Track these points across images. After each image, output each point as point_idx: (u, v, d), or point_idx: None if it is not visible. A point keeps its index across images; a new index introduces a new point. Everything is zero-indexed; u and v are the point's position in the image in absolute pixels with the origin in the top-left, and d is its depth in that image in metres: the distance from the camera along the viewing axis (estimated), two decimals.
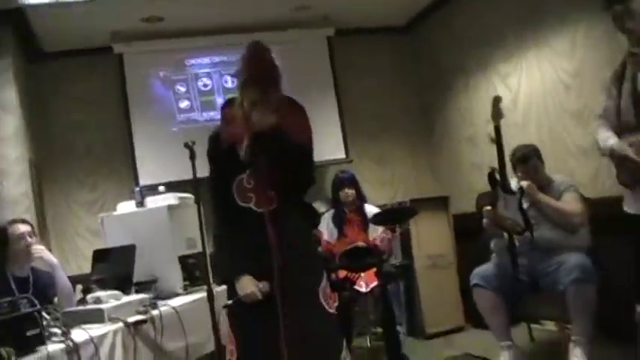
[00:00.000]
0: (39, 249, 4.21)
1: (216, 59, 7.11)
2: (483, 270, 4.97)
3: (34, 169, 6.00)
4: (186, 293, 4.45)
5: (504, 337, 4.88)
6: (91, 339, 3.03)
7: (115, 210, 4.93)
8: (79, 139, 6.90)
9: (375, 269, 5.27)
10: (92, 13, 5.99)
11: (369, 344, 5.94)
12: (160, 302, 3.94)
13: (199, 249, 4.01)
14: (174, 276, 4.47)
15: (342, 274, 5.38)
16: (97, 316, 3.40)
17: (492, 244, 5.05)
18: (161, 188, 4.95)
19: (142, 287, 4.20)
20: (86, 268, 4.52)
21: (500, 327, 4.91)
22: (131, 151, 6.81)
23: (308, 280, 3.19)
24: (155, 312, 3.71)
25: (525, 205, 4.66)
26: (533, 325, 5.54)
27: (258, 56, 3.19)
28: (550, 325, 5.70)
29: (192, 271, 4.59)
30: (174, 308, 3.91)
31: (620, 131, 3.53)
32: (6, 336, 2.67)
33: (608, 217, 3.98)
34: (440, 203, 6.76)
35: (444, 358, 5.53)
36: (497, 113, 4.57)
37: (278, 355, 3.05)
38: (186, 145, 3.46)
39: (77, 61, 6.90)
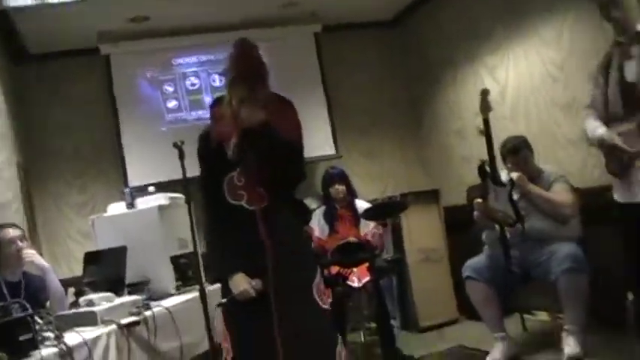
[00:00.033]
0: (30, 253, 4.19)
1: (204, 58, 7.09)
2: (475, 262, 4.99)
3: (22, 172, 5.97)
4: (179, 293, 4.43)
5: (497, 328, 4.91)
6: (85, 342, 3.02)
7: (105, 212, 4.91)
8: (67, 141, 6.87)
9: (367, 264, 5.27)
10: (78, 14, 5.96)
11: (363, 339, 5.94)
12: (152, 303, 3.92)
13: (191, 249, 3.99)
14: (166, 276, 4.46)
15: (335, 269, 5.38)
16: (89, 319, 3.38)
17: (484, 236, 5.06)
18: (151, 189, 4.93)
19: (134, 289, 4.18)
20: (78, 270, 4.49)
21: (493, 318, 4.93)
22: (120, 152, 6.79)
23: (301, 276, 3.20)
24: (148, 313, 3.69)
25: (516, 197, 4.68)
26: (525, 316, 5.57)
27: (245, 53, 3.18)
28: (543, 315, 5.74)
29: (185, 271, 4.57)
30: (167, 309, 3.90)
31: (607, 121, 3.54)
32: None
33: (598, 207, 4.00)
34: (430, 196, 6.77)
35: (437, 351, 5.53)
36: (485, 106, 4.58)
37: (273, 353, 3.06)
38: (175, 145, 3.45)
39: (64, 62, 6.87)
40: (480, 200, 4.72)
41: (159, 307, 3.88)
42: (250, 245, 3.15)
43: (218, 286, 4.42)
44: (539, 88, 5.65)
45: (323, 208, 5.83)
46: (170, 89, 7.01)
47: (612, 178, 3.60)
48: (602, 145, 3.51)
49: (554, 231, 4.71)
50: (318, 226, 5.67)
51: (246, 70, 3.14)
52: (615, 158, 3.44)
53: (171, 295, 4.38)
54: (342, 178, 5.74)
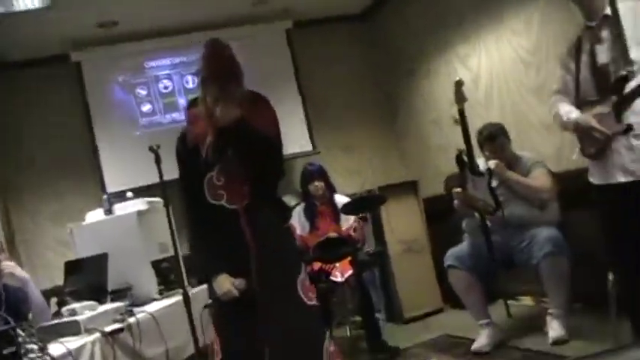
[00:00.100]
0: (10, 265, 4.16)
1: (176, 60, 7.06)
2: (457, 251, 5.01)
3: None
4: (162, 298, 4.42)
5: (482, 315, 4.94)
6: (69, 352, 3.00)
7: (83, 220, 4.89)
8: (41, 151, 6.80)
9: (349, 259, 5.29)
10: (45, 21, 5.90)
11: (349, 333, 5.96)
12: (136, 309, 3.91)
13: (172, 253, 3.99)
14: (148, 282, 4.44)
15: (317, 266, 5.40)
16: (73, 329, 3.36)
17: (464, 225, 5.09)
18: (129, 194, 4.92)
19: (117, 295, 4.16)
20: (59, 280, 4.46)
21: (476, 306, 4.96)
22: (96, 158, 6.75)
23: (285, 274, 3.20)
24: (132, 319, 3.68)
25: (494, 184, 4.70)
26: (509, 302, 5.61)
27: (216, 53, 3.17)
28: (527, 301, 5.79)
29: (167, 276, 4.56)
30: (151, 314, 3.88)
31: (579, 105, 3.56)
32: None
33: (576, 190, 4.02)
34: (409, 188, 6.78)
35: (423, 341, 5.56)
36: (460, 97, 4.60)
37: (259, 352, 3.06)
38: (150, 149, 3.46)
39: (34, 71, 6.79)
40: (459, 189, 4.74)
41: (142, 312, 3.87)
42: (233, 245, 3.15)
43: (201, 288, 4.45)
44: (512, 74, 5.67)
45: (302, 205, 5.83)
46: (143, 93, 6.97)
47: (588, 160, 3.62)
48: (577, 128, 3.53)
49: (534, 216, 4.75)
50: (298, 223, 5.67)
51: (219, 69, 3.13)
52: (591, 141, 3.46)
53: (155, 300, 4.37)
54: (321, 174, 5.75)
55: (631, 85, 3.26)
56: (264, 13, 7.08)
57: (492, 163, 4.78)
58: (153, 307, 4.11)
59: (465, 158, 4.62)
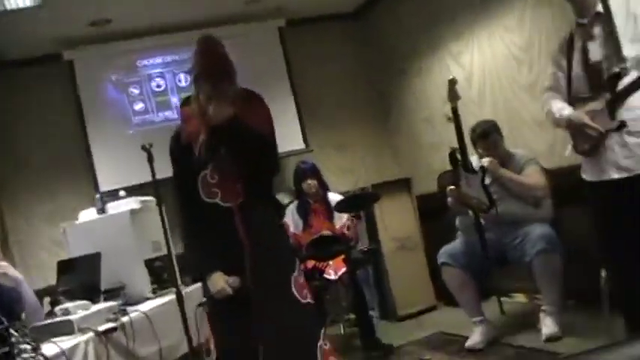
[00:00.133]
0: (3, 265, 4.15)
1: (169, 58, 7.04)
2: (450, 248, 5.02)
3: None
4: (156, 297, 4.42)
5: (475, 312, 4.95)
6: (63, 352, 3.00)
7: (76, 219, 4.87)
8: (34, 150, 6.77)
9: (342, 256, 5.29)
10: (38, 20, 5.87)
11: (342, 331, 5.97)
12: (129, 308, 3.91)
13: (165, 251, 3.98)
14: (141, 281, 4.44)
15: (311, 264, 5.40)
16: (66, 328, 3.35)
17: (457, 222, 5.10)
18: (122, 193, 4.91)
19: (110, 295, 4.16)
20: (52, 280, 4.45)
21: (470, 303, 4.97)
22: (88, 157, 6.73)
23: (278, 272, 3.20)
24: (125, 318, 3.68)
25: (487, 181, 4.71)
26: (503, 299, 5.61)
27: (209, 50, 3.17)
28: (520, 298, 5.80)
29: (160, 274, 4.55)
30: (144, 313, 3.88)
31: (571, 102, 3.57)
32: None
33: (569, 187, 4.03)
34: (402, 185, 6.79)
35: (417, 338, 5.56)
36: (453, 95, 4.60)
37: (253, 350, 3.06)
38: (143, 148, 3.45)
39: (26, 70, 6.76)
40: (453, 187, 4.74)
41: (136, 311, 3.87)
42: (227, 243, 3.15)
43: (195, 287, 4.44)
44: (505, 71, 5.68)
45: (296, 203, 5.84)
46: (136, 91, 6.95)
47: (581, 157, 3.62)
48: (570, 125, 3.53)
49: (527, 213, 4.76)
50: (291, 221, 5.67)
51: (211, 66, 3.13)
52: (584, 138, 3.46)
53: (148, 298, 4.36)
54: (314, 172, 5.75)
55: (624, 82, 3.27)
56: (256, 11, 7.07)
57: (486, 161, 4.79)
58: (146, 306, 4.11)
59: (459, 156, 4.63)
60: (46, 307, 4.18)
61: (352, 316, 5.97)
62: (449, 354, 4.93)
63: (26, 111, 6.76)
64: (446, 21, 6.34)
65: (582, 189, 3.63)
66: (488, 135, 4.89)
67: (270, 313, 3.10)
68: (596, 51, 3.41)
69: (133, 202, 4.65)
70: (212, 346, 3.26)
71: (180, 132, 3.26)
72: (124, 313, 3.75)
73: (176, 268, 4.27)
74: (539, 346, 4.48)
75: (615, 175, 3.38)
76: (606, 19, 3.35)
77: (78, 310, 3.55)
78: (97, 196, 5.01)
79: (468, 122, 4.95)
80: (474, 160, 4.89)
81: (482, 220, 4.68)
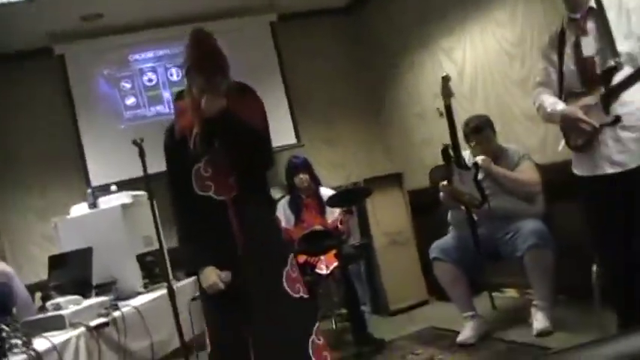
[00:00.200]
0: None
1: (160, 52, 7.01)
2: (442, 243, 5.03)
3: None
4: (147, 291, 4.41)
5: (467, 307, 4.96)
6: (54, 347, 2.99)
7: (67, 214, 4.86)
8: (25, 145, 6.73)
9: (334, 251, 5.30)
10: (29, 14, 5.84)
11: (334, 326, 5.97)
12: (121, 303, 3.90)
13: (156, 246, 3.97)
14: (133, 275, 4.43)
15: (302, 258, 5.40)
16: (58, 323, 3.34)
17: (449, 217, 5.10)
18: (113, 187, 4.89)
19: (101, 290, 4.15)
20: (44, 275, 4.44)
21: (462, 298, 4.98)
22: (80, 152, 6.70)
23: (270, 266, 3.20)
24: (117, 313, 3.67)
25: (480, 176, 4.71)
26: (494, 294, 5.64)
27: (201, 42, 3.16)
28: (511, 293, 5.81)
29: (152, 269, 4.54)
30: (135, 308, 3.87)
31: (562, 97, 3.57)
32: None
33: (561, 182, 4.04)
34: (394, 180, 6.80)
35: (408, 333, 5.57)
36: (447, 92, 4.60)
37: (246, 344, 3.06)
38: (134, 143, 3.45)
39: (17, 64, 6.71)
40: (445, 183, 4.75)
41: (127, 306, 3.85)
42: (220, 236, 3.16)
43: (187, 281, 4.44)
44: (497, 66, 5.68)
45: (287, 197, 5.83)
46: (128, 86, 6.92)
47: (572, 152, 3.62)
48: (563, 120, 3.53)
49: (519, 208, 4.76)
50: (283, 215, 5.66)
51: (204, 59, 3.12)
52: (578, 132, 3.46)
53: (139, 293, 4.35)
54: (306, 167, 5.74)
55: (619, 77, 3.27)
56: (248, 5, 7.05)
57: (479, 159, 4.79)
58: (138, 301, 4.10)
59: (451, 152, 4.63)
60: (38, 302, 4.17)
61: (344, 310, 5.98)
62: (440, 349, 4.93)
63: (17, 105, 6.71)
64: (437, 16, 6.33)
65: (574, 184, 3.64)
66: (481, 130, 4.89)
67: (260, 307, 3.10)
68: (588, 46, 3.41)
69: (124, 197, 4.63)
70: (207, 339, 3.26)
71: (174, 126, 3.26)
72: (116, 308, 3.74)
73: (168, 263, 4.26)
74: (531, 340, 4.49)
75: (609, 170, 3.38)
76: (599, 13, 3.36)
77: (69, 305, 3.53)
78: (89, 190, 4.98)
79: (460, 117, 4.95)
80: (466, 155, 4.89)
81: (474, 216, 4.69)
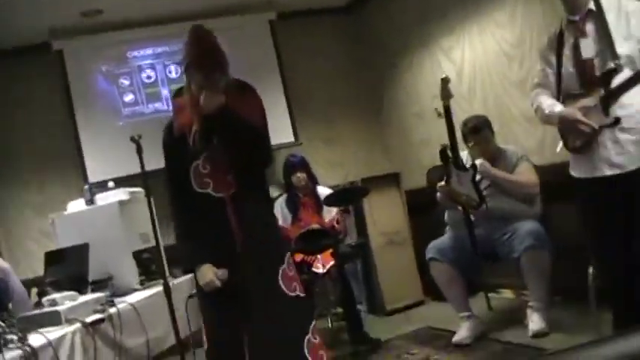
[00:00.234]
0: None
1: (159, 50, 7.00)
2: (439, 243, 5.03)
3: None
4: (144, 288, 4.40)
5: (463, 308, 4.96)
6: (49, 343, 2.98)
7: (65, 210, 4.85)
8: (23, 140, 6.73)
9: (331, 250, 5.29)
10: (28, 9, 5.84)
11: (330, 325, 5.97)
12: (117, 300, 3.88)
13: (153, 243, 3.97)
14: (129, 272, 4.42)
15: (299, 257, 5.40)
16: (53, 319, 3.33)
17: (446, 217, 5.10)
18: (110, 184, 4.89)
19: (98, 286, 4.14)
20: (40, 270, 4.43)
21: (458, 298, 4.98)
22: (78, 148, 6.69)
23: (267, 264, 3.20)
24: (113, 310, 3.66)
25: (478, 177, 4.71)
26: (490, 294, 5.65)
27: (200, 39, 3.17)
28: (507, 293, 5.82)
29: (148, 266, 4.54)
30: (132, 305, 3.86)
31: (561, 98, 3.57)
32: None
33: (558, 183, 4.04)
34: (391, 180, 6.79)
35: (404, 333, 5.57)
36: (446, 94, 4.59)
37: (242, 342, 3.06)
38: (132, 139, 3.45)
39: (15, 59, 6.69)
40: (443, 183, 4.74)
41: (123, 303, 3.84)
42: (219, 233, 3.16)
43: (184, 279, 4.44)
44: (495, 67, 5.69)
45: (285, 196, 5.83)
46: (126, 83, 6.91)
47: (570, 154, 3.62)
48: (562, 121, 3.52)
49: (516, 209, 4.76)
50: (280, 214, 5.66)
51: (203, 55, 3.12)
52: (577, 134, 3.46)
53: (136, 290, 4.35)
54: (303, 165, 5.74)
55: (618, 79, 3.27)
56: (248, 3, 7.05)
57: (478, 162, 4.78)
58: (134, 297, 4.09)
59: (450, 153, 4.63)
60: (34, 298, 4.17)
61: (340, 310, 5.98)
62: (436, 349, 4.93)
63: (15, 101, 6.71)
64: (437, 16, 6.33)
65: (572, 186, 3.63)
66: (479, 130, 4.89)
67: (256, 305, 3.10)
68: (587, 48, 3.41)
69: (121, 194, 4.63)
70: (204, 336, 3.26)
71: (173, 123, 3.26)
72: (112, 304, 3.73)
73: (164, 260, 4.25)
74: (526, 341, 4.50)
75: (608, 172, 3.38)
76: (598, 15, 3.36)
77: (65, 300, 3.52)
78: (86, 187, 4.97)
79: (459, 118, 4.95)
80: (464, 156, 4.89)
81: (471, 216, 4.69)
